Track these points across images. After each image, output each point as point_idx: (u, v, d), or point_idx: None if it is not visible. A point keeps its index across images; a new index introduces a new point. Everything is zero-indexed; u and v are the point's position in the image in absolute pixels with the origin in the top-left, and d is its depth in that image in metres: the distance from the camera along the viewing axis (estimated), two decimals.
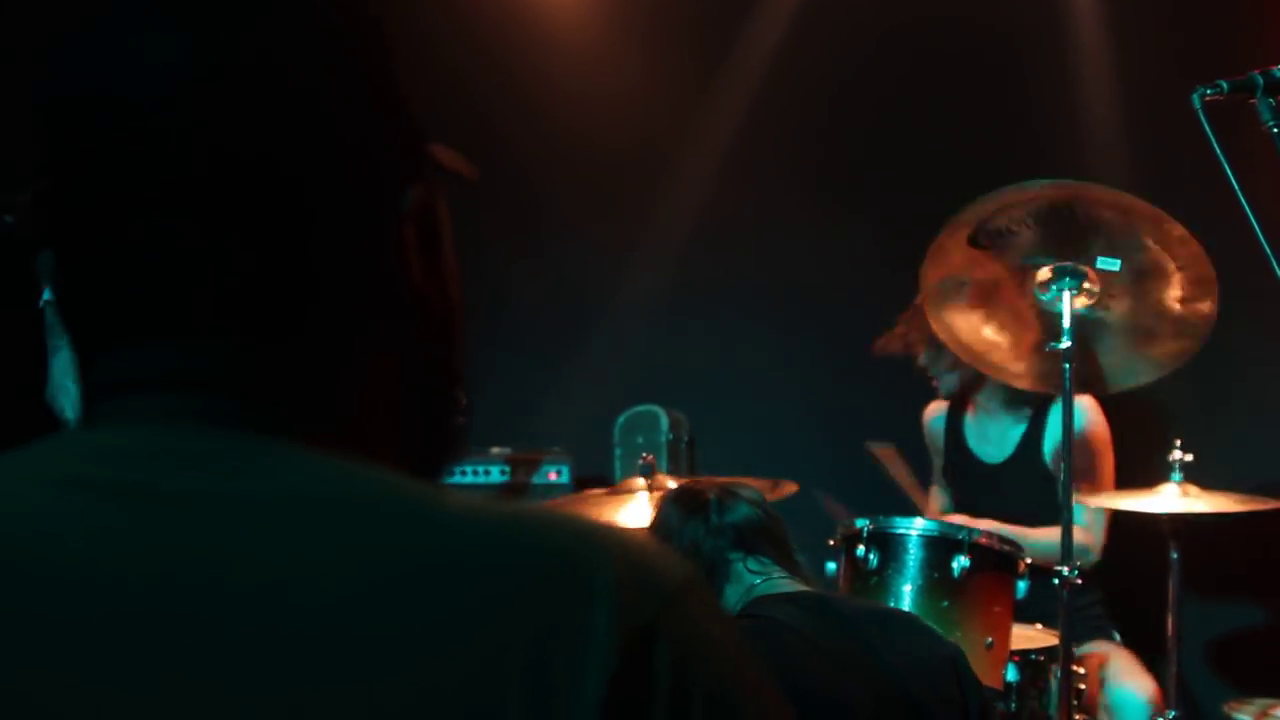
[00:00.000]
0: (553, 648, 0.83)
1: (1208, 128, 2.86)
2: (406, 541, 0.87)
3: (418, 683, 0.82)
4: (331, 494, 0.89)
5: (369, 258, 0.99)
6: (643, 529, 0.87)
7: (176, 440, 0.92)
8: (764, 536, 2.78)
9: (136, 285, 0.95)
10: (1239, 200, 2.86)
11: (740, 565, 2.74)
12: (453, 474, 5.33)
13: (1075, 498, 4.43)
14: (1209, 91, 2.89)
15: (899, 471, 4.98)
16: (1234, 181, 2.86)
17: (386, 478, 0.92)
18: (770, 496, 4.02)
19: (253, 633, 0.84)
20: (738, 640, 0.93)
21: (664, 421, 5.76)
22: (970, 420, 4.97)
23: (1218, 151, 2.85)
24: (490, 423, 5.70)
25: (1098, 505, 4.47)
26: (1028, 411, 4.79)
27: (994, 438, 4.88)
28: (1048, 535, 4.43)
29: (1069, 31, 5.43)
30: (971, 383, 4.84)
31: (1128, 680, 4.50)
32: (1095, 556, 4.56)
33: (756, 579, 2.72)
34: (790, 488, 4.28)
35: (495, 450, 5.61)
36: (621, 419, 5.80)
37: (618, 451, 5.74)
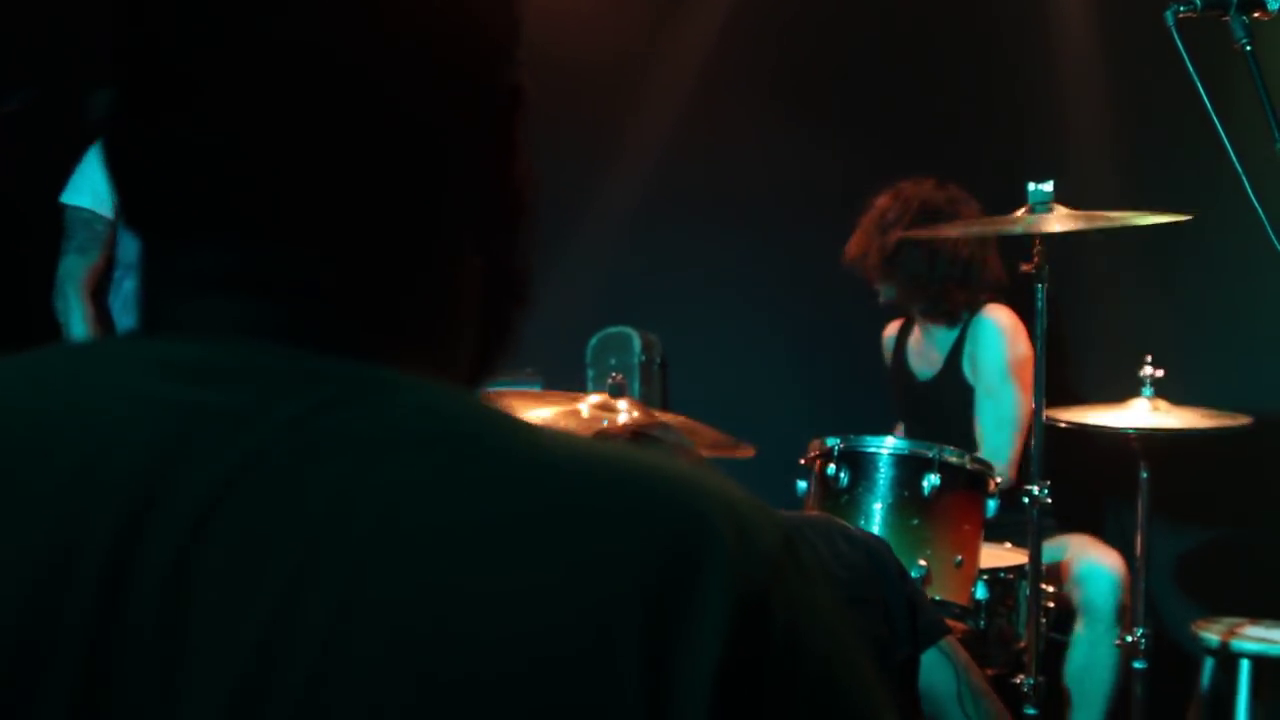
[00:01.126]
0: (668, 609, 0.79)
1: (1181, 46, 2.85)
2: (515, 483, 0.82)
3: (529, 638, 0.78)
4: (434, 430, 0.84)
5: (475, 156, 0.95)
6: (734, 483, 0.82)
7: (267, 358, 0.86)
8: None
9: (217, 166, 0.88)
10: (1212, 120, 2.86)
11: None
12: None
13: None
14: (1182, 9, 2.88)
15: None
16: (1207, 101, 2.86)
17: (485, 410, 0.87)
18: (730, 454, 4.05)
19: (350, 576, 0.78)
20: (835, 602, 0.89)
21: (636, 343, 5.74)
22: (911, 341, 5.00)
23: (1190, 70, 2.84)
24: None
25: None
26: (950, 326, 4.81)
27: (926, 355, 4.91)
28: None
29: None
30: (906, 298, 4.83)
31: (1094, 554, 4.55)
32: (1007, 479, 4.44)
33: None
34: (747, 451, 4.27)
35: None
36: (594, 340, 5.78)
37: (590, 373, 5.72)
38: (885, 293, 4.91)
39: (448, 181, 0.93)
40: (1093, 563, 4.53)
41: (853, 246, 4.87)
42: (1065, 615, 4.51)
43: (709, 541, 0.81)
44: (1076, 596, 4.51)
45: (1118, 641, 4.41)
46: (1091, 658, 4.50)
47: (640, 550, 0.80)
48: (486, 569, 0.79)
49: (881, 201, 4.81)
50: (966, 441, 4.50)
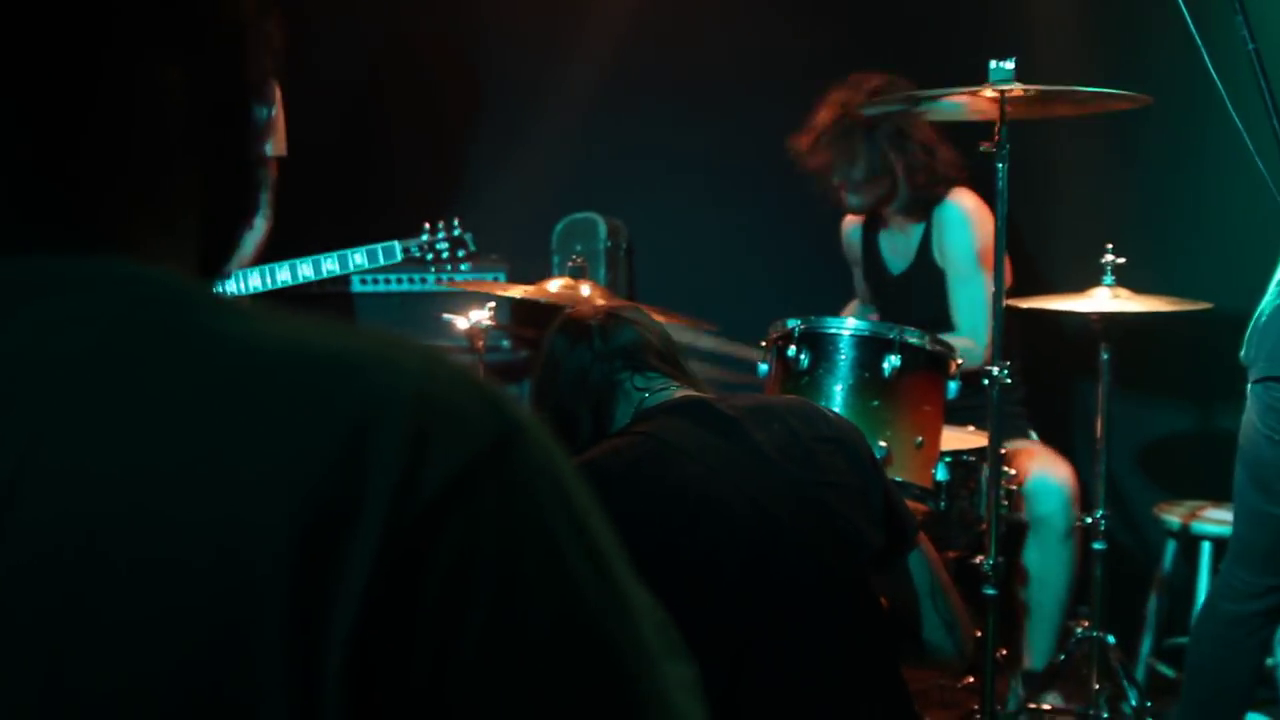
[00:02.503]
0: (322, 528, 0.71)
1: None
2: (169, 372, 0.75)
3: (171, 540, 0.71)
4: (110, 304, 0.77)
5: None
6: (470, 364, 0.70)
7: None
8: (650, 352, 2.79)
9: None
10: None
11: (629, 384, 2.75)
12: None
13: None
14: None
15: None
16: None
17: (165, 293, 0.78)
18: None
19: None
20: (571, 529, 0.78)
21: (602, 229, 5.73)
22: (883, 231, 4.99)
23: None
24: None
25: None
26: (918, 220, 4.80)
27: (900, 247, 4.91)
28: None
29: None
30: (883, 200, 4.81)
31: (1044, 468, 4.57)
32: (980, 357, 4.39)
33: (645, 394, 2.73)
34: (707, 327, 4.27)
35: None
36: (559, 226, 5.77)
37: (555, 259, 5.71)
38: (853, 201, 4.87)
39: None
40: (1043, 477, 4.55)
41: (813, 160, 4.82)
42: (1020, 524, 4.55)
43: (376, 440, 0.73)
44: (1025, 510, 4.53)
45: (1076, 523, 4.45)
46: (1044, 571, 4.55)
47: (294, 473, 0.72)
48: (122, 488, 0.72)
49: (827, 111, 4.75)
50: (943, 330, 4.50)
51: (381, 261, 4.69)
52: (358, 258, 4.67)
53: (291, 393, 0.74)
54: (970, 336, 4.54)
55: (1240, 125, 2.77)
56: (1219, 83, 2.76)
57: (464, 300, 4.70)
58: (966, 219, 4.71)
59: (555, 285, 4.39)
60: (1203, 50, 2.77)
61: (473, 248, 4.78)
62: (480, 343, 4.45)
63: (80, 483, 0.72)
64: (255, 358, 0.76)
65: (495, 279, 5.39)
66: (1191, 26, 2.79)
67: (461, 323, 4.49)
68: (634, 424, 2.68)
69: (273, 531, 0.71)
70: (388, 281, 5.46)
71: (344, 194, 5.28)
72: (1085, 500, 4.56)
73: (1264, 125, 2.81)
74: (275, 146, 4.91)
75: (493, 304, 4.49)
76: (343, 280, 5.40)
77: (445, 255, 4.74)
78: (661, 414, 2.67)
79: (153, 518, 0.71)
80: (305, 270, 4.67)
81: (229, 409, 0.74)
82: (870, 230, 5.03)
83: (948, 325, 4.63)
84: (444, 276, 4.78)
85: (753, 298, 5.23)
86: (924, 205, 4.75)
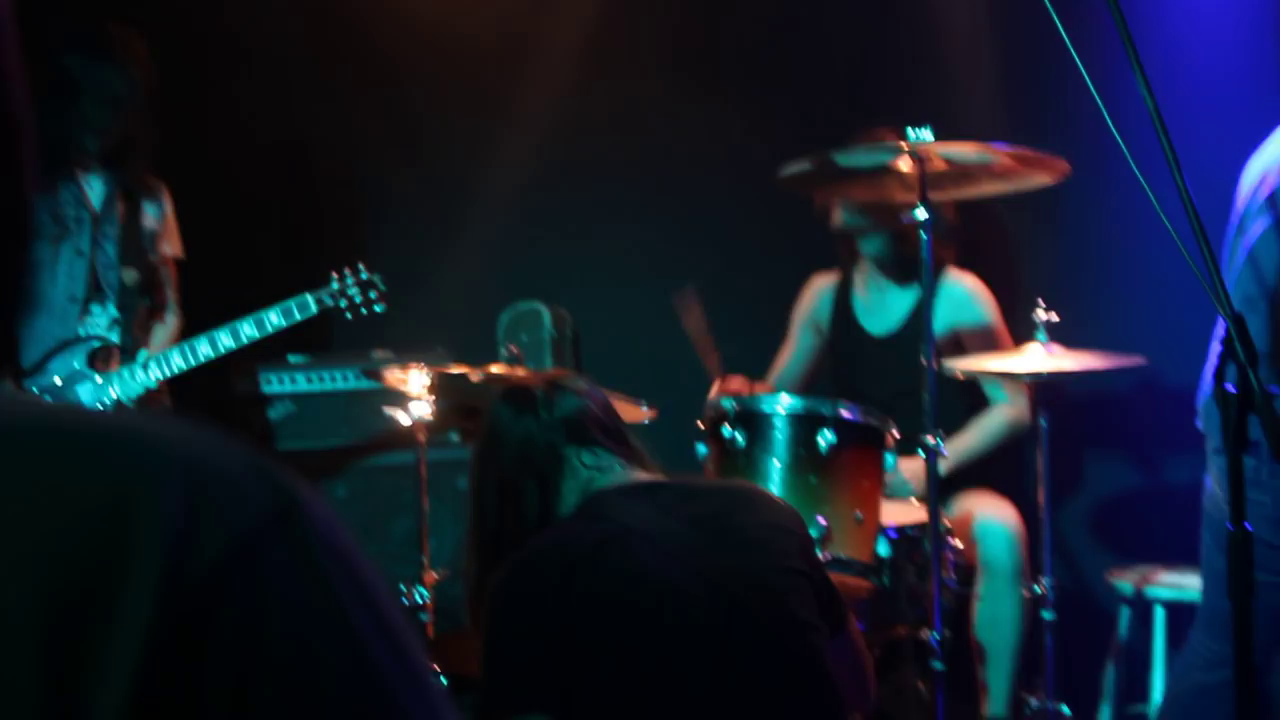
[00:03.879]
0: (76, 606, 0.67)
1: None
2: None
3: None
4: None
5: None
6: (237, 439, 0.67)
7: None
8: (596, 426, 2.78)
9: None
10: (1077, 65, 2.84)
11: (575, 460, 2.74)
12: (286, 378, 5.29)
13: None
14: None
15: (696, 324, 4.89)
16: (1064, 34, 2.84)
17: None
18: (634, 417, 4.05)
19: None
20: (354, 596, 0.75)
21: (547, 318, 5.72)
22: (859, 294, 4.98)
23: (1048, 5, 2.82)
24: (369, 323, 5.65)
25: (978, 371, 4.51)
26: (908, 284, 4.80)
27: (881, 310, 4.90)
28: (975, 438, 4.54)
29: None
30: (892, 246, 4.82)
31: (989, 510, 4.57)
32: (1028, 423, 4.65)
33: (594, 471, 2.73)
34: (647, 414, 4.25)
35: (377, 353, 5.54)
36: (504, 317, 5.75)
37: (501, 350, 5.69)
38: (869, 246, 4.88)
39: None
40: (988, 520, 4.54)
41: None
42: (970, 570, 4.51)
43: (142, 515, 0.69)
44: (976, 553, 4.51)
45: (1025, 593, 4.42)
46: (995, 612, 4.51)
47: (44, 551, 0.68)
48: None
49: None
50: (915, 396, 4.48)
51: (298, 317, 4.70)
52: (273, 317, 4.67)
53: (49, 458, 0.71)
54: (1015, 404, 4.63)
55: (1143, 181, 2.75)
56: (1119, 139, 2.76)
57: (406, 398, 4.67)
58: (981, 296, 4.80)
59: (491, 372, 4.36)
60: (1100, 104, 2.76)
61: (383, 288, 4.81)
62: (422, 436, 4.42)
63: None
64: (12, 429, 0.72)
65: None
66: (1089, 81, 2.79)
67: (404, 418, 4.46)
68: (589, 505, 2.67)
69: (21, 606, 0.67)
70: (334, 379, 5.45)
71: (281, 285, 5.25)
72: (1035, 570, 4.53)
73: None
74: (171, 247, 4.93)
75: (433, 398, 4.46)
76: (286, 379, 5.39)
77: (359, 300, 4.79)
78: (617, 497, 2.66)
79: None
80: (225, 340, 4.66)
81: None
82: (843, 292, 5.02)
83: (918, 393, 4.59)
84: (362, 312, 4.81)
85: (700, 380, 5.21)
86: (912, 269, 4.73)
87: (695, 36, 5.71)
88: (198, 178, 5.06)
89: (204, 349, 4.66)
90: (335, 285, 4.76)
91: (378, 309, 4.83)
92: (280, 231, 5.88)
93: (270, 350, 5.17)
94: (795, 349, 5.16)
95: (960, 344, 4.76)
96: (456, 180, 5.89)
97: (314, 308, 4.71)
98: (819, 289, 5.11)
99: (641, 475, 2.76)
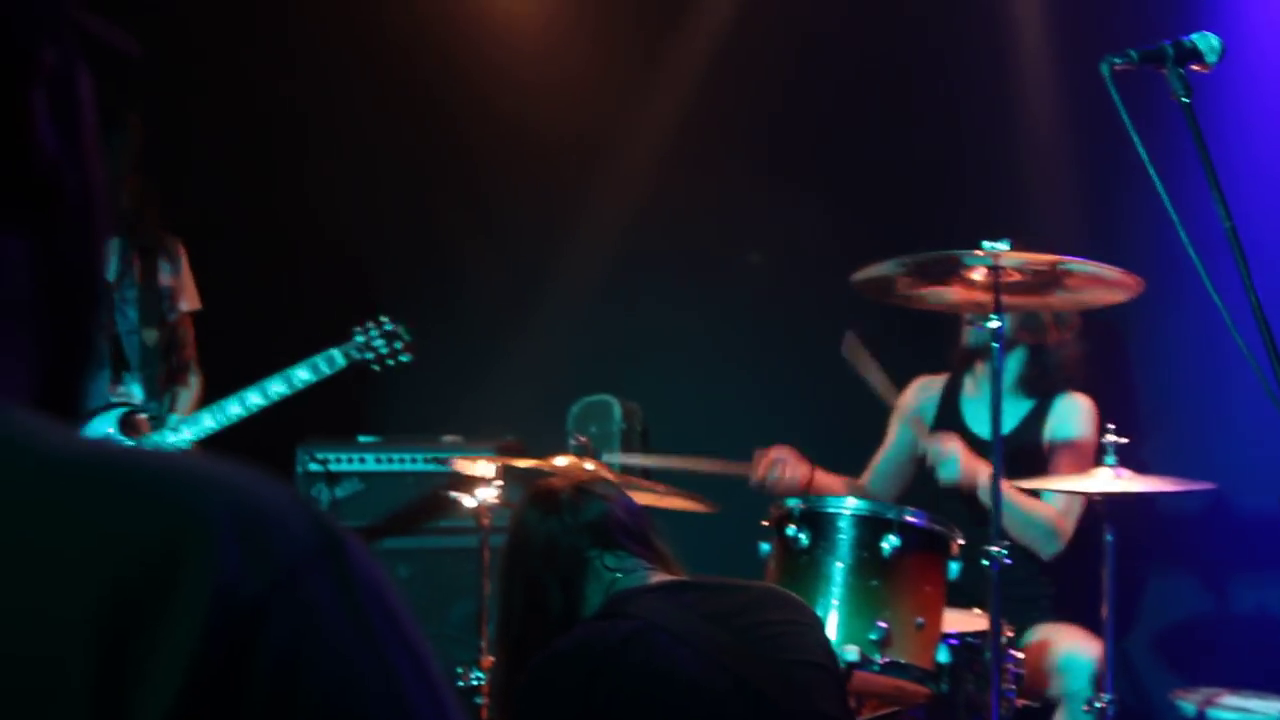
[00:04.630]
0: (126, 627, 0.71)
1: (1117, 97, 2.86)
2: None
3: None
4: None
5: None
6: (283, 480, 0.72)
7: None
8: (620, 530, 2.82)
9: None
10: (1155, 182, 2.86)
11: (599, 562, 2.78)
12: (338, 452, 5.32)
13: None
14: (1118, 61, 2.90)
15: (866, 367, 4.87)
16: (1148, 162, 2.86)
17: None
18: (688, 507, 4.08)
19: None
20: (391, 633, 0.79)
21: (617, 411, 5.76)
22: (969, 396, 4.97)
23: (1127, 123, 2.85)
24: (440, 409, 5.71)
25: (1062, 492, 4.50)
26: (1031, 396, 4.81)
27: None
28: (1037, 509, 4.52)
29: (1007, 6, 5.42)
30: (1030, 360, 4.85)
31: (1074, 644, 4.50)
32: (1062, 542, 4.61)
33: (617, 574, 2.76)
34: (708, 508, 4.27)
35: (448, 438, 5.60)
36: (575, 408, 5.80)
37: (571, 441, 5.73)
38: (973, 337, 4.88)
39: None
40: (1074, 653, 4.47)
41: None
42: (1036, 685, 4.46)
43: (192, 546, 0.73)
44: (1058, 685, 4.46)
45: (1085, 707, 4.37)
46: None
47: (99, 576, 0.72)
48: None
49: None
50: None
51: (326, 372, 4.70)
52: (301, 373, 4.67)
53: (105, 493, 0.75)
54: (1063, 514, 4.62)
55: (1220, 303, 2.77)
56: (1197, 261, 2.77)
57: (472, 482, 4.70)
58: (1084, 413, 4.77)
59: (561, 463, 4.40)
60: (1180, 228, 2.78)
61: (407, 338, 4.78)
62: (486, 520, 4.45)
63: None
64: (70, 465, 0.76)
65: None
66: (1168, 204, 2.81)
67: (469, 501, 4.49)
68: (614, 604, 2.70)
69: (77, 623, 0.71)
70: (402, 461, 5.50)
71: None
72: (1100, 684, 4.49)
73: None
74: (189, 301, 4.97)
75: (500, 483, 4.49)
76: (355, 458, 5.44)
77: (385, 350, 4.76)
78: (643, 595, 2.69)
79: None
80: (255, 399, 4.67)
81: (38, 510, 0.74)
82: (952, 392, 5.02)
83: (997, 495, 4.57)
84: (390, 362, 4.81)
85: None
86: (1039, 386, 4.76)
87: (776, 138, 5.78)
88: (269, 253, 5.14)
89: (234, 408, 4.69)
90: (360, 338, 4.76)
91: (404, 359, 4.80)
92: (351, 309, 5.94)
93: (339, 428, 5.24)
94: (892, 446, 5.13)
95: (1049, 456, 4.78)
96: (532, 268, 5.96)
97: (341, 361, 4.71)
98: (924, 388, 5.10)
99: (664, 576, 2.79)
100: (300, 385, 4.68)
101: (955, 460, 4.52)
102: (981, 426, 4.91)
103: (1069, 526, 4.62)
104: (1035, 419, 4.85)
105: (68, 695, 0.71)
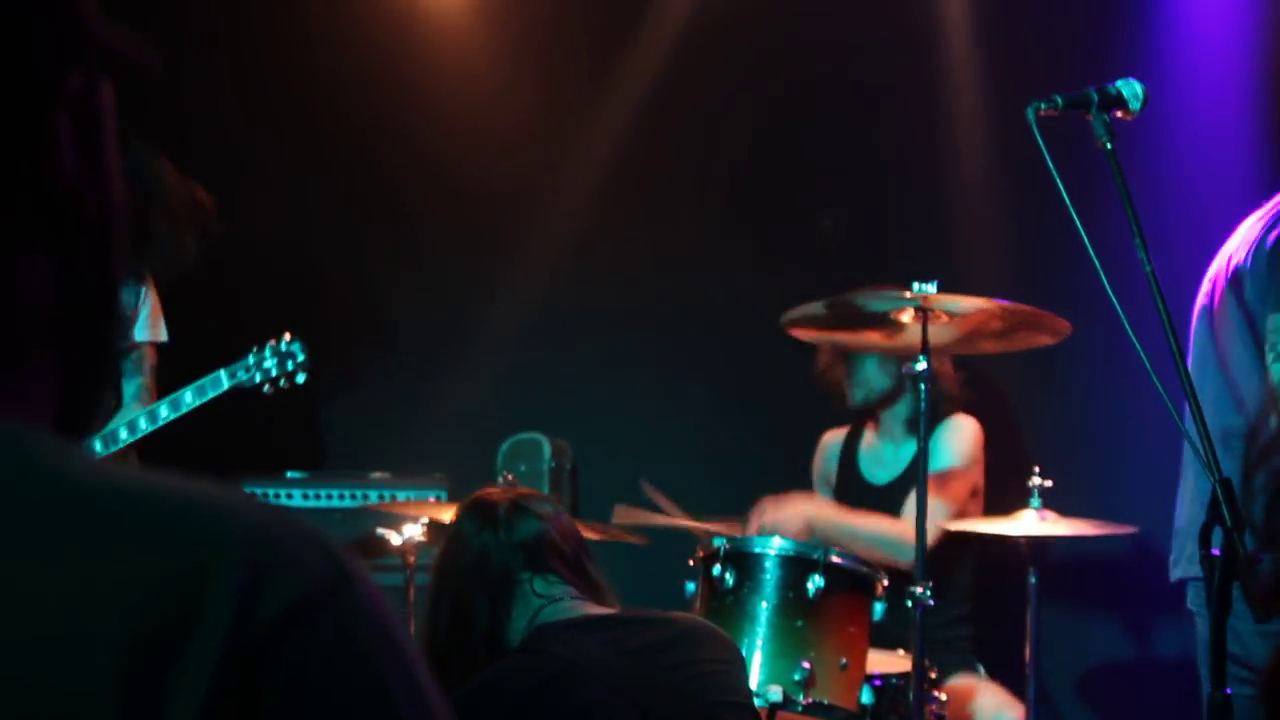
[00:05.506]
0: (151, 651, 0.74)
1: (1041, 142, 2.89)
2: (6, 509, 0.77)
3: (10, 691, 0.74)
4: None
5: (11, 146, 0.87)
6: (299, 514, 0.75)
7: None
8: (554, 553, 2.78)
9: None
10: (1076, 224, 2.88)
11: (528, 585, 2.74)
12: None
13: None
14: (1043, 106, 2.93)
15: (667, 509, 4.87)
16: (1068, 201, 2.88)
17: (14, 438, 0.81)
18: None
19: None
20: (395, 666, 0.82)
21: (547, 449, 5.74)
22: (864, 447, 5.01)
23: (1051, 168, 2.87)
24: (369, 447, 5.69)
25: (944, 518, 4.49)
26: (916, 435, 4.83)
27: (887, 460, 4.92)
28: (882, 526, 4.52)
29: (938, 52, 5.48)
30: (886, 398, 4.85)
31: (996, 705, 4.50)
32: (905, 553, 4.27)
33: (543, 602, 2.73)
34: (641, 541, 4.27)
35: (376, 474, 5.57)
36: (505, 446, 5.78)
37: (499, 480, 5.71)
38: (856, 395, 4.91)
39: None
40: (1002, 716, 4.48)
41: (824, 355, 4.94)
42: None
43: (213, 574, 0.76)
44: None
45: None
46: None
47: (126, 601, 0.75)
48: None
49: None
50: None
51: (210, 394, 4.53)
52: (188, 396, 4.54)
53: (133, 524, 0.78)
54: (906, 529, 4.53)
55: (1140, 349, 2.79)
56: (1118, 307, 2.79)
57: (399, 519, 4.68)
58: (960, 434, 4.76)
59: None
60: (1101, 273, 2.81)
61: (301, 357, 4.54)
62: (412, 558, 4.43)
63: None
64: (97, 495, 0.79)
65: (436, 497, 5.39)
66: (1090, 249, 2.84)
67: (395, 538, 4.47)
68: (534, 639, 2.68)
69: (105, 650, 0.74)
70: (329, 497, 5.47)
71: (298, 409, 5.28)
72: None
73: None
74: (152, 333, 4.83)
75: (426, 520, 4.48)
76: (283, 494, 5.41)
77: (275, 372, 4.53)
78: (565, 631, 2.67)
79: None
80: (141, 424, 4.59)
81: (67, 540, 0.77)
82: (850, 445, 5.05)
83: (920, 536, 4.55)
84: (280, 386, 4.58)
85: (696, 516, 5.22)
86: (931, 420, 4.77)
87: (705, 184, 5.81)
88: (198, 288, 5.08)
89: (123, 432, 4.59)
90: (251, 359, 4.56)
91: (299, 380, 4.56)
92: None
93: (268, 464, 5.20)
94: None
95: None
96: (462, 308, 5.95)
97: (226, 382, 4.53)
98: (827, 446, 5.14)
99: (591, 609, 2.75)
100: (186, 408, 4.54)
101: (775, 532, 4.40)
102: (876, 473, 4.94)
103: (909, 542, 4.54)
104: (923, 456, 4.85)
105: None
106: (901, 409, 4.88)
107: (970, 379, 4.95)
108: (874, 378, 4.85)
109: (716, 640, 2.78)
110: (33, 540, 0.77)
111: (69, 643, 0.74)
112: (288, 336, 4.57)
